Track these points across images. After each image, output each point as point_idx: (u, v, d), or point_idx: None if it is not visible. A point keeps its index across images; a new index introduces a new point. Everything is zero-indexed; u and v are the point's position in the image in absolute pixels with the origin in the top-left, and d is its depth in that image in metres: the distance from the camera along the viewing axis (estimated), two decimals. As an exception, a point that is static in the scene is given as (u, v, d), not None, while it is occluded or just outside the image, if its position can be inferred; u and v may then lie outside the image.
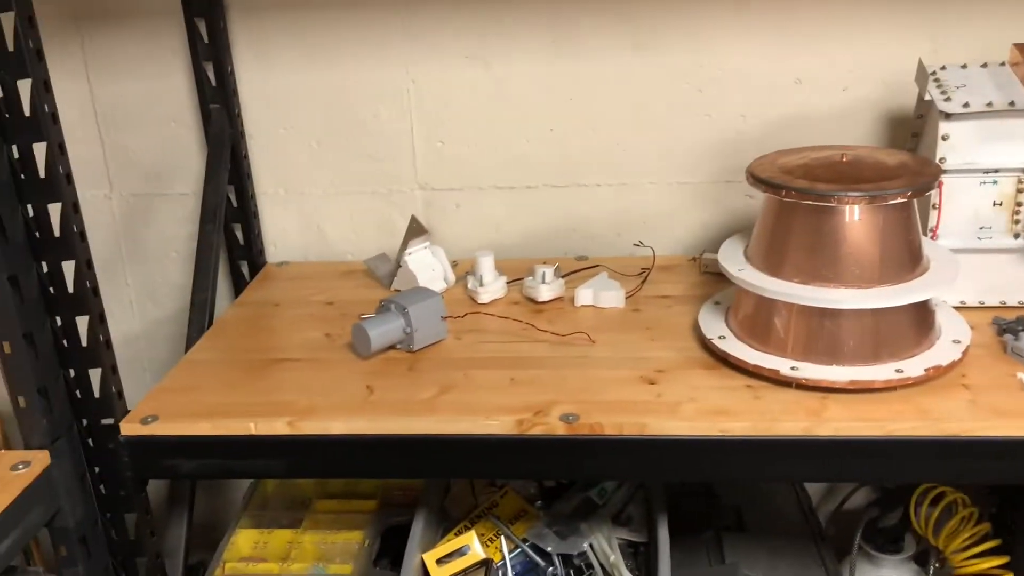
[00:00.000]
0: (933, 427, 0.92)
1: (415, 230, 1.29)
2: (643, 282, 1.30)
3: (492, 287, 1.27)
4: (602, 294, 1.24)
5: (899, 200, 0.96)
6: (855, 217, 0.98)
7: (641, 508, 1.24)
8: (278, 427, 1.00)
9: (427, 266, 1.30)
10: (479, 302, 1.26)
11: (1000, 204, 1.11)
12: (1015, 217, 1.11)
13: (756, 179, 1.02)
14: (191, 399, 1.06)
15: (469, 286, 1.28)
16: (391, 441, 0.99)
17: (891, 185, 0.96)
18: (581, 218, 1.43)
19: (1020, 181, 1.09)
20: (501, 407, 1.00)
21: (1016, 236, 1.11)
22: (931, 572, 1.26)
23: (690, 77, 1.33)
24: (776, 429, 0.94)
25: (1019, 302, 1.14)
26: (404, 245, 1.29)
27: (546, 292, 1.25)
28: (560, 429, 0.97)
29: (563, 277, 1.29)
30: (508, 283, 1.30)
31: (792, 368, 1.00)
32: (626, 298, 1.25)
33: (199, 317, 1.26)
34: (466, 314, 1.17)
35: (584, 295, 1.25)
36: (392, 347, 1.14)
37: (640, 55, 1.33)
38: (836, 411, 0.95)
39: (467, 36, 1.34)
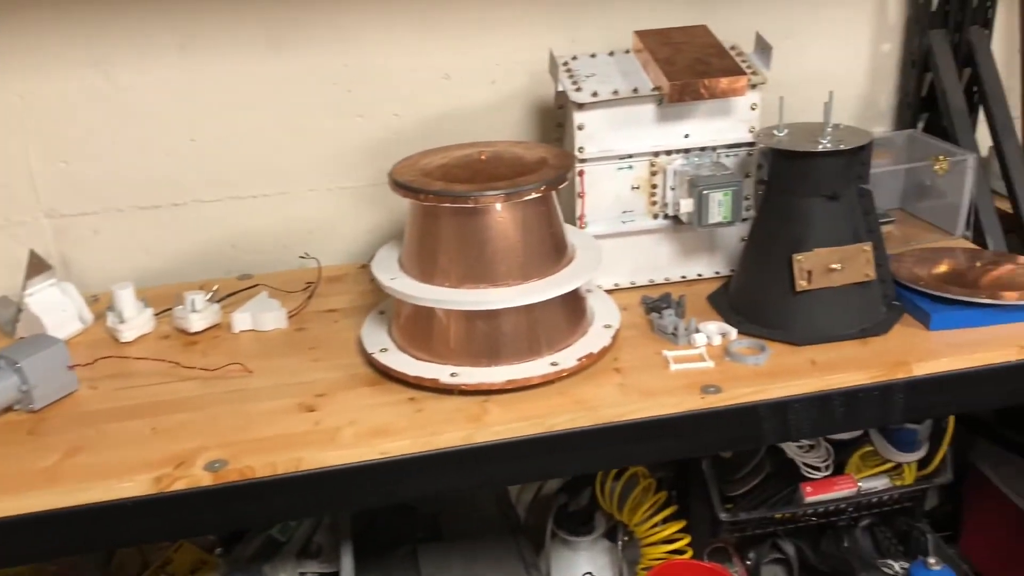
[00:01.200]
0: (589, 416, 0.93)
1: (35, 266, 1.13)
2: (309, 297, 1.22)
3: (135, 322, 1.13)
4: (261, 316, 1.15)
5: (535, 195, 0.95)
6: (495, 216, 0.96)
7: (330, 536, 1.17)
8: None
9: (55, 306, 1.14)
10: (122, 341, 1.12)
11: (638, 188, 1.14)
12: (652, 199, 1.15)
13: (396, 184, 0.98)
14: None
15: (109, 323, 1.14)
16: (4, 525, 0.84)
17: (526, 180, 0.96)
18: (240, 234, 1.33)
19: (652, 164, 1.13)
20: (138, 463, 0.89)
21: (655, 217, 1.16)
22: (620, 547, 1.31)
23: (337, 77, 1.27)
24: (436, 442, 0.91)
25: (665, 279, 1.19)
26: (24, 285, 1.12)
27: (198, 322, 1.14)
28: (206, 479, 0.87)
29: (220, 301, 1.18)
30: (157, 315, 1.17)
31: (452, 375, 0.97)
32: (290, 316, 1.16)
33: None
34: (96, 360, 1.03)
35: (241, 320, 1.15)
36: (9, 408, 0.98)
37: (280, 55, 1.24)
38: (497, 414, 0.93)
39: (82, 41, 1.19)
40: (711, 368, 0.99)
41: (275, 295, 1.21)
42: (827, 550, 1.41)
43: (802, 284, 1.03)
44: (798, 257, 1.03)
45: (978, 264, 1.15)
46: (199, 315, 1.14)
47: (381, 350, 1.03)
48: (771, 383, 0.96)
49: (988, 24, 1.35)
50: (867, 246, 1.04)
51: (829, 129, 1.04)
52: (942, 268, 1.14)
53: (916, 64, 1.37)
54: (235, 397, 1.00)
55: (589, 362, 0.99)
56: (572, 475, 1.26)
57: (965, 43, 1.34)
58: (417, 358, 1.00)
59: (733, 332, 1.05)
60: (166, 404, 0.99)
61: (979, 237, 1.26)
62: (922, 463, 1.31)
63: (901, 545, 1.42)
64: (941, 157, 1.23)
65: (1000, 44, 1.37)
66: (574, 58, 1.16)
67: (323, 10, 1.23)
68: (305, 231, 1.34)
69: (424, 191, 0.94)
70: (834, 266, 1.03)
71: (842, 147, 1.01)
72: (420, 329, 1.01)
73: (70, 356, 1.01)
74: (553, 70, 1.14)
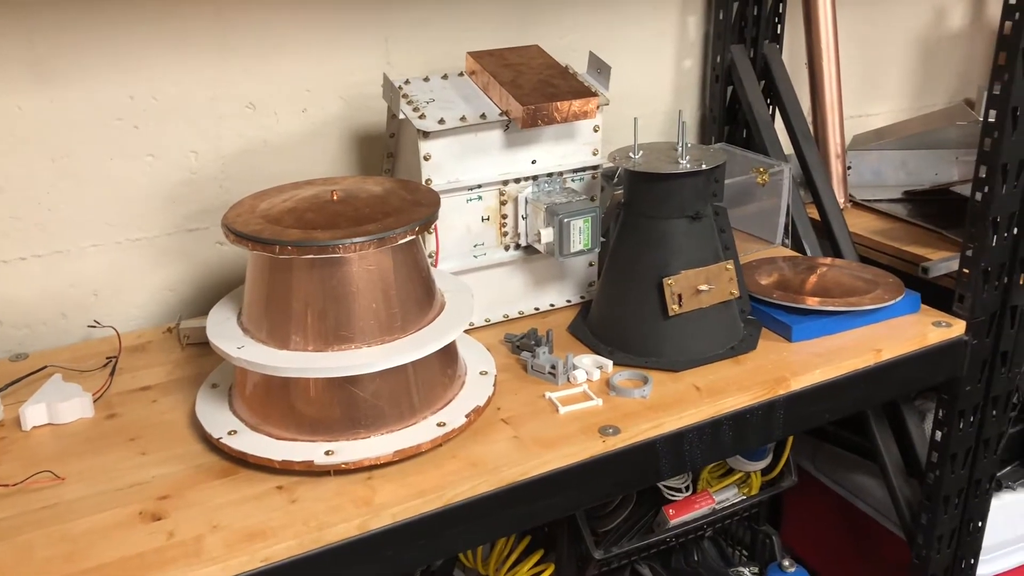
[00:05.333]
0: (490, 479, 0.84)
1: None
2: (112, 374, 1.02)
3: None
4: (59, 407, 0.94)
5: (409, 238, 0.85)
6: (362, 264, 0.84)
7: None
8: None
9: None
10: None
11: (488, 219, 1.07)
12: (503, 229, 1.08)
13: (240, 236, 0.83)
14: None
15: None
16: None
17: (398, 222, 0.85)
18: (6, 304, 1.09)
19: (501, 193, 1.06)
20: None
21: (507, 248, 1.09)
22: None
23: (121, 111, 1.07)
24: (326, 537, 0.77)
25: (519, 312, 1.12)
26: None
27: (-26, 422, 0.91)
28: (38, 635, 0.68)
29: (-4, 393, 0.96)
30: (-90, 419, 0.92)
31: (327, 452, 0.83)
32: (95, 401, 0.96)
33: None
34: None
35: (34, 414, 0.93)
36: None
37: (49, 86, 1.03)
38: (388, 492, 0.82)
39: None
40: (600, 406, 0.94)
41: (69, 376, 0.99)
42: (678, 567, 1.41)
43: (674, 308, 1.00)
44: (668, 281, 1.00)
45: (801, 269, 1.19)
46: (-26, 415, 0.91)
47: (230, 432, 0.87)
48: (665, 415, 0.92)
49: (778, 39, 1.42)
50: (729, 264, 1.03)
51: (680, 149, 1.02)
52: (774, 278, 1.16)
53: (720, 78, 1.41)
54: (51, 515, 0.80)
55: (476, 416, 0.90)
56: (478, 545, 1.16)
57: (760, 57, 1.40)
58: (278, 437, 0.86)
59: (609, 364, 1.00)
60: (-45, 539, 0.77)
61: (796, 244, 1.31)
62: (766, 469, 1.34)
63: (746, 551, 1.45)
64: (761, 168, 1.26)
65: (787, 58, 1.44)
66: (407, 82, 1.06)
67: (102, 33, 1.04)
68: (89, 294, 1.13)
69: (279, 242, 0.80)
70: (702, 287, 1.01)
71: (703, 167, 0.99)
72: (277, 402, 0.87)
73: None
74: (389, 95, 1.03)
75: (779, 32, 1.41)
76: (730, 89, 1.42)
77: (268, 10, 1.11)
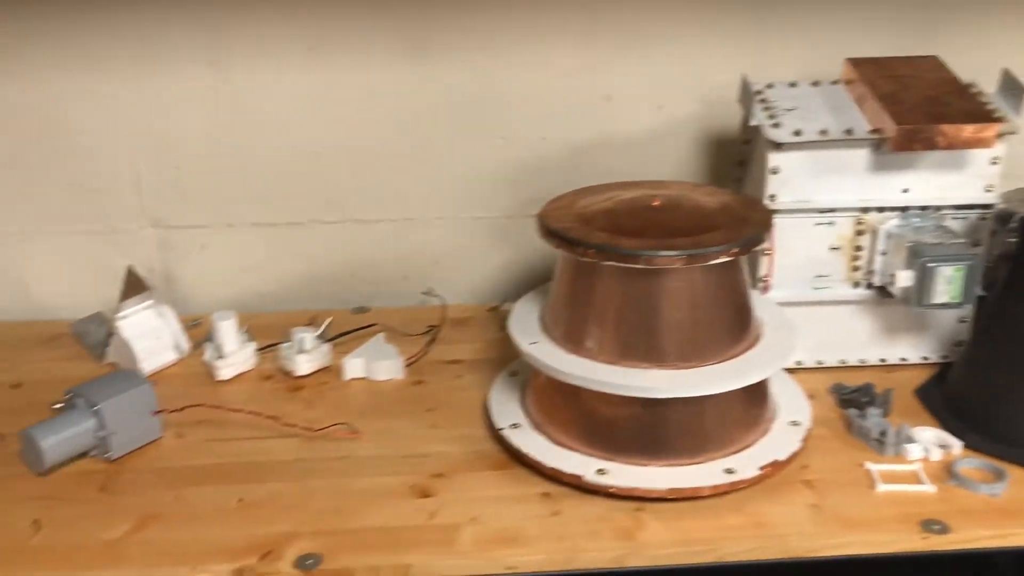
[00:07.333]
0: (775, 546, 0.73)
1: (133, 286, 1.00)
2: (430, 343, 1.06)
3: (235, 358, 0.99)
4: (376, 364, 0.99)
5: (724, 259, 0.76)
6: (671, 280, 0.77)
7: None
8: None
9: (149, 333, 1.01)
10: (219, 379, 0.99)
11: (838, 248, 0.93)
12: (854, 263, 0.94)
13: (549, 232, 0.80)
14: None
15: (206, 357, 1.00)
16: (54, 608, 0.71)
17: (714, 239, 0.76)
18: (359, 261, 1.18)
19: (859, 222, 0.92)
20: (218, 547, 0.73)
21: (856, 285, 0.95)
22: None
23: (482, 92, 1.10)
24: (577, 561, 0.72)
25: (860, 361, 0.98)
26: (119, 305, 1.00)
27: (305, 364, 0.99)
28: (294, 579, 0.71)
29: (331, 341, 1.03)
30: (260, 350, 1.02)
31: (599, 471, 0.78)
32: (407, 365, 1.00)
33: None
34: (184, 408, 0.89)
35: (353, 366, 0.99)
36: (84, 454, 0.85)
37: (419, 65, 1.08)
38: (655, 530, 0.74)
39: (202, 39, 1.06)
40: (930, 494, 0.77)
41: (392, 337, 1.05)
42: None
43: (1059, 394, 0.80)
44: (1058, 360, 0.80)
45: None
46: (307, 356, 0.99)
47: (512, 425, 0.85)
48: (1015, 525, 0.74)
49: None
50: None
51: (1105, 196, 0.81)
52: None
53: None
54: (337, 468, 0.84)
55: (773, 471, 0.79)
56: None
57: None
58: (556, 442, 0.82)
59: (957, 446, 0.83)
60: (258, 468, 0.84)
61: None
62: None
63: None
64: None
65: None
66: (770, 86, 0.96)
67: (471, 16, 1.06)
68: (429, 263, 1.18)
69: (584, 244, 0.76)
70: (1105, 375, 0.79)
71: None
72: (561, 406, 0.83)
73: (156, 400, 0.87)
74: (746, 99, 0.94)
75: None
76: None
77: (637, 2, 1.06)
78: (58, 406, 0.86)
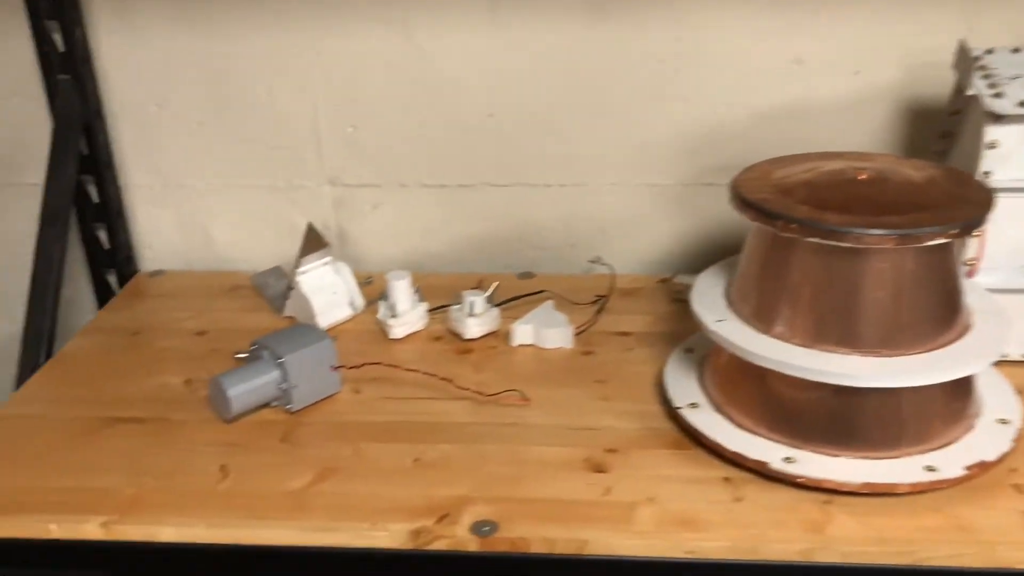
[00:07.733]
0: (979, 554, 0.67)
1: (312, 242, 1.02)
2: (598, 312, 1.03)
3: (408, 318, 1.00)
4: (545, 332, 0.98)
5: (940, 240, 0.70)
6: (877, 261, 0.71)
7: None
8: (87, 530, 0.73)
9: (327, 288, 1.03)
10: (391, 337, 1.00)
11: (1058, 233, 0.85)
12: (1076, 250, 0.85)
13: (745, 203, 0.75)
14: (-16, 480, 0.79)
15: (379, 315, 1.01)
16: (241, 552, 0.73)
17: (928, 218, 0.70)
18: (527, 226, 1.16)
19: (1086, 204, 0.83)
20: (395, 506, 0.74)
21: (1076, 274, 0.86)
22: None
23: (663, 54, 1.06)
24: (763, 551, 0.69)
25: (1075, 357, 0.89)
26: (298, 260, 1.02)
27: (475, 327, 0.99)
28: (471, 545, 0.71)
29: (499, 305, 1.03)
30: (431, 311, 1.03)
31: (786, 459, 0.74)
32: (576, 334, 0.99)
33: (32, 351, 0.99)
34: (364, 364, 0.90)
35: (522, 332, 0.98)
36: (267, 405, 0.88)
37: (600, 25, 1.05)
38: (846, 525, 0.70)
39: (385, -5, 1.06)
40: None
41: (560, 305, 1.03)
42: None
43: None
44: None
45: None
46: (477, 320, 0.99)
47: (690, 404, 0.82)
48: None
49: None
50: None
51: None
52: None
53: None
54: (509, 434, 0.83)
55: (980, 472, 0.73)
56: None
57: None
58: (738, 424, 0.79)
59: None
60: (432, 428, 0.84)
61: None
62: None
63: None
64: None
65: None
66: (990, 51, 0.88)
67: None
68: (598, 230, 1.15)
69: (784, 217, 0.72)
70: None
71: None
72: (747, 387, 0.79)
73: (336, 355, 0.88)
74: (962, 66, 0.86)
75: None
76: None
77: (839, -43, 0.99)
78: (242, 356, 0.89)
